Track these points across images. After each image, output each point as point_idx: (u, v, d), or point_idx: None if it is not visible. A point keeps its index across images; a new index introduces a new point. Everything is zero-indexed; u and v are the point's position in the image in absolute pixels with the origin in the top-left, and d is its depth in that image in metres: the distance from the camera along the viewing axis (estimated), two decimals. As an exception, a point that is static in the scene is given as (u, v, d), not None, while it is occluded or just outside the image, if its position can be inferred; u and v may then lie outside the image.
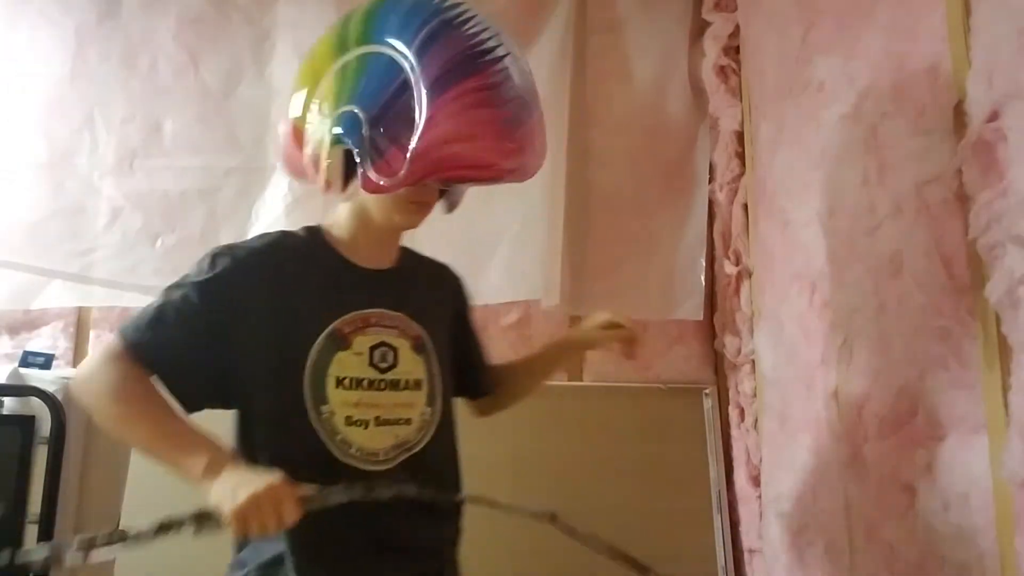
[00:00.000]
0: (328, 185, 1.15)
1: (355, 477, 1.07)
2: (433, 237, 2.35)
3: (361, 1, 1.20)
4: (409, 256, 1.32)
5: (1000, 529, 1.06)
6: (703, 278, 2.31)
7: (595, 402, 2.28)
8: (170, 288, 1.11)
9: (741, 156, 2.25)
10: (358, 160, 1.09)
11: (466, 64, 1.08)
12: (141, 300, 2.29)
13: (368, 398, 1.13)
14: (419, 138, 1.06)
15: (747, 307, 2.16)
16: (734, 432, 2.20)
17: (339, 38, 1.17)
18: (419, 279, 1.29)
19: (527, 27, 2.39)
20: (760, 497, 2.04)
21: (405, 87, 1.08)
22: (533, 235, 2.30)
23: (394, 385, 1.15)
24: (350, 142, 1.10)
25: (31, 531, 1.48)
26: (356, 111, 1.10)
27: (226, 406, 1.14)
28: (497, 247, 2.32)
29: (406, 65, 1.09)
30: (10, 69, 2.39)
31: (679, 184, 2.36)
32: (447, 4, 1.13)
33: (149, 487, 1.92)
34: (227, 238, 2.34)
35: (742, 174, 2.24)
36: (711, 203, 2.34)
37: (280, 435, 1.10)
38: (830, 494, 1.56)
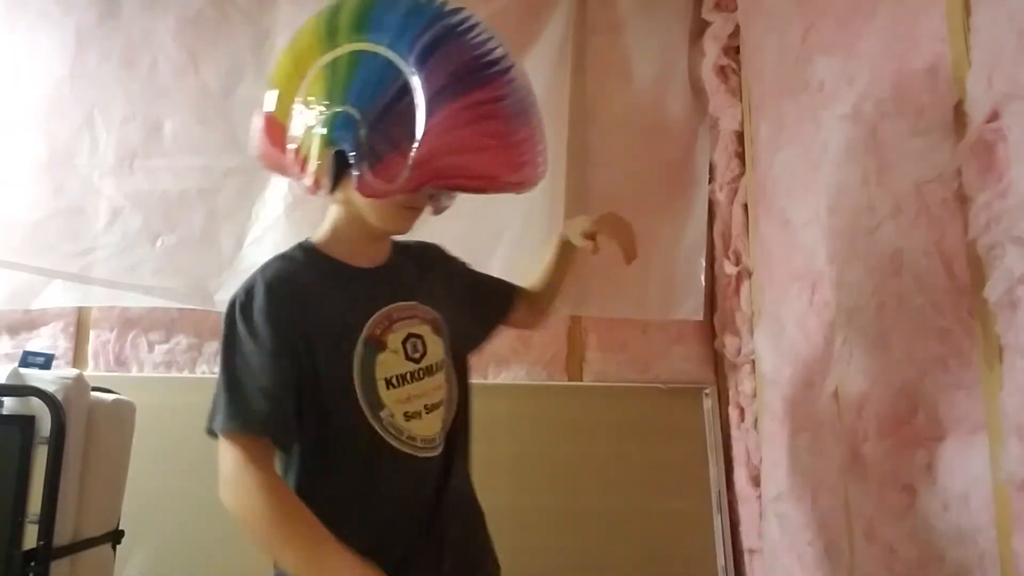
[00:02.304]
0: (317, 186, 1.13)
1: (419, 467, 1.14)
2: (433, 237, 2.37)
3: None
4: (396, 246, 1.32)
5: (999, 529, 1.06)
6: (703, 278, 2.31)
7: (595, 402, 2.28)
8: (226, 364, 1.07)
9: (741, 156, 2.25)
10: (353, 163, 1.07)
11: (474, 75, 1.09)
12: (141, 300, 2.32)
13: (413, 390, 1.16)
14: (423, 145, 1.05)
15: (747, 307, 2.16)
16: (734, 432, 2.20)
17: (327, 32, 1.12)
18: (411, 265, 1.31)
19: (527, 27, 2.39)
20: (760, 497, 2.04)
21: (404, 91, 1.07)
22: (533, 235, 2.30)
23: (429, 371, 1.19)
24: (345, 145, 1.07)
25: (31, 531, 1.47)
26: (351, 112, 1.07)
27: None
28: (497, 247, 2.32)
29: (406, 69, 1.07)
30: (10, 69, 2.40)
31: (679, 184, 2.36)
32: (448, 9, 1.12)
33: (149, 487, 1.92)
34: (227, 238, 2.35)
35: (742, 174, 2.24)
36: (711, 203, 2.34)
37: (350, 452, 1.11)
38: (830, 494, 1.56)
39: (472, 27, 1.11)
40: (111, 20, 2.43)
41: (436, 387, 1.20)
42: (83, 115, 2.38)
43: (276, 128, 1.15)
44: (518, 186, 1.19)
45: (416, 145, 1.05)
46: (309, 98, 1.10)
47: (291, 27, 2.39)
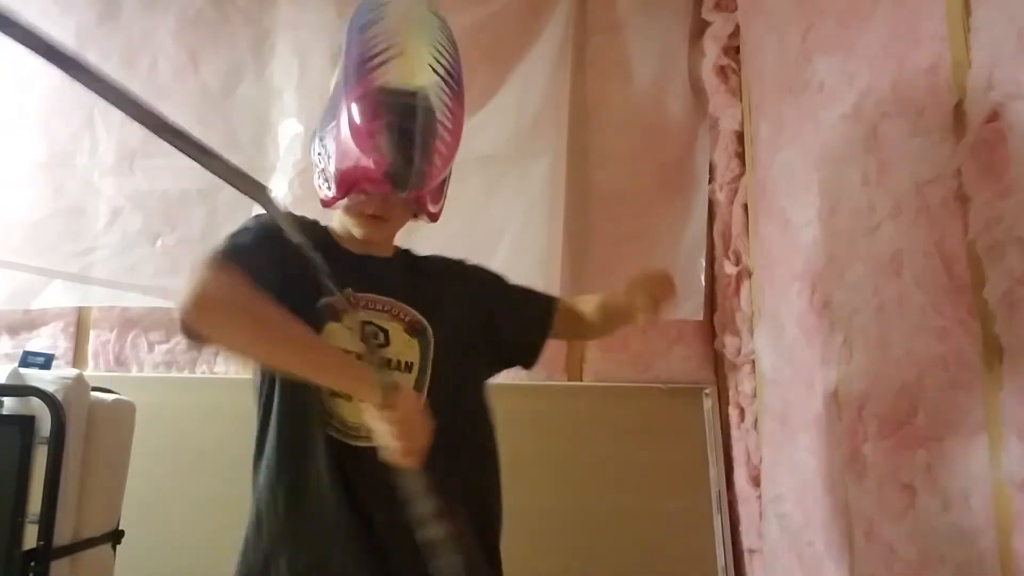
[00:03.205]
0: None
1: (337, 448, 1.10)
2: (434, 236, 2.37)
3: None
4: (406, 254, 1.33)
5: (999, 529, 1.06)
6: (703, 278, 2.31)
7: (595, 402, 2.28)
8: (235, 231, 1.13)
9: (741, 156, 2.25)
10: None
11: (354, 74, 1.10)
12: (141, 300, 2.32)
13: None
14: (336, 151, 1.12)
15: (747, 307, 2.16)
16: (734, 432, 2.20)
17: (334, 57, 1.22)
18: (419, 271, 1.29)
19: (527, 27, 2.39)
20: (760, 497, 2.04)
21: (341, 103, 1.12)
22: (533, 235, 2.30)
23: (384, 364, 1.15)
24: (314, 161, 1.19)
25: (31, 531, 1.48)
26: (317, 131, 1.19)
27: None
28: (497, 247, 2.32)
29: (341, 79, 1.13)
30: (10, 69, 2.39)
31: (679, 184, 2.36)
32: (372, 5, 1.15)
33: (149, 487, 1.92)
34: (227, 238, 2.36)
35: (742, 174, 2.24)
36: (711, 203, 2.34)
37: (295, 403, 1.12)
38: (830, 494, 1.56)
39: (374, 23, 1.12)
40: (111, 20, 2.43)
41: None
42: (83, 115, 2.39)
43: None
44: (400, 180, 1.09)
45: (332, 152, 1.12)
46: None
47: (291, 27, 2.40)
